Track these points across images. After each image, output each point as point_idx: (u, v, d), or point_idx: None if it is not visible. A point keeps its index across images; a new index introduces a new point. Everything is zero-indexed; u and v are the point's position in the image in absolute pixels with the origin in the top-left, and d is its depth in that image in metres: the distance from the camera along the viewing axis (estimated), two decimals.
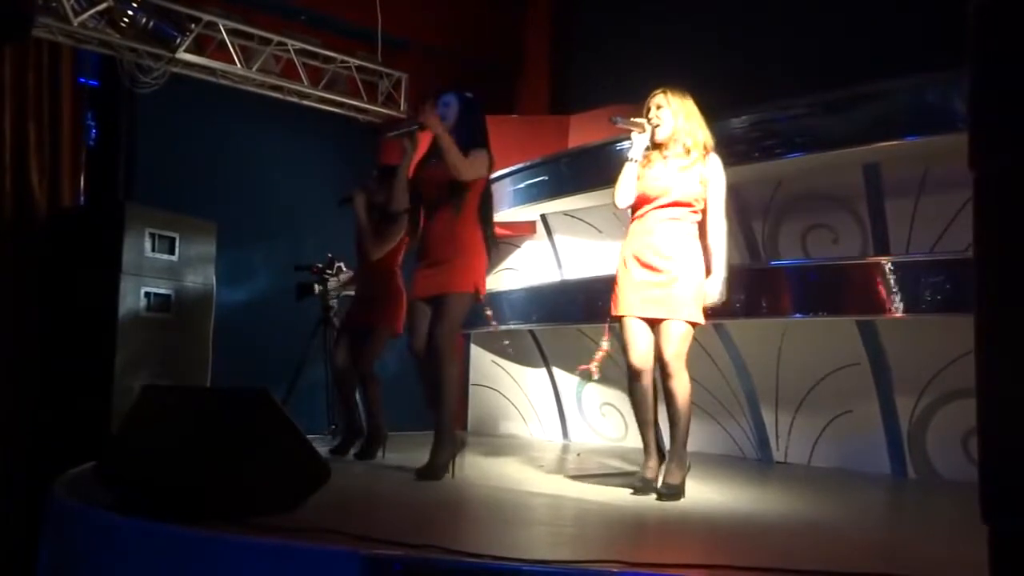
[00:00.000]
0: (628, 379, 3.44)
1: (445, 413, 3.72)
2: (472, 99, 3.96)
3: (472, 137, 3.81)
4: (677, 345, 3.29)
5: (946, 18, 2.63)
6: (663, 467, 3.42)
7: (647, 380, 3.39)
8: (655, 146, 3.46)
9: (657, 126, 3.41)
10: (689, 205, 3.37)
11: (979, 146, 1.43)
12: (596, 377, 3.77)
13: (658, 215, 3.39)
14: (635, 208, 3.46)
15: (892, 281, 3.97)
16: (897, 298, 3.95)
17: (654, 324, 3.37)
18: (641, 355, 3.38)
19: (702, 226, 3.41)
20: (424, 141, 3.94)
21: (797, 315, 4.37)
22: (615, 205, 3.48)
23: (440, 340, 3.65)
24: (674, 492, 3.31)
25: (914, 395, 4.30)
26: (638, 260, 3.39)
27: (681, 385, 3.30)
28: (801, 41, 5.42)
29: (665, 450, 3.49)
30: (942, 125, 3.84)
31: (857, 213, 4.63)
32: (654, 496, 3.34)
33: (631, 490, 3.42)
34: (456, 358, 3.82)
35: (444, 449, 3.73)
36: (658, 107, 3.43)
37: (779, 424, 4.89)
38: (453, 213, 3.74)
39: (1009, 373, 1.37)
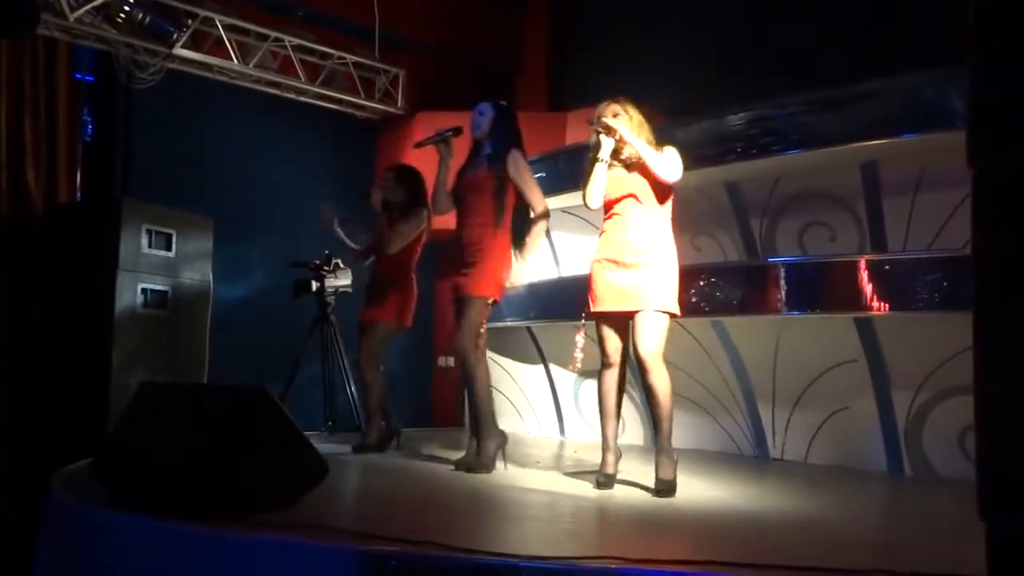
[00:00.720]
0: (600, 370, 3.49)
1: (481, 409, 3.88)
2: (507, 106, 4.10)
3: (509, 144, 3.93)
4: (652, 340, 3.31)
5: (944, 16, 2.63)
6: (655, 463, 3.41)
7: (617, 375, 3.46)
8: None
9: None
10: (661, 203, 3.45)
11: (979, 144, 1.43)
12: (579, 366, 3.89)
13: (628, 212, 3.45)
14: (605, 207, 3.53)
15: (889, 278, 3.97)
16: (894, 295, 3.96)
17: (628, 319, 3.41)
18: (616, 348, 3.46)
19: (671, 219, 3.49)
20: (460, 147, 4.09)
21: (794, 312, 4.38)
22: (587, 206, 3.53)
23: (461, 342, 3.81)
24: (670, 487, 3.33)
25: (911, 392, 4.31)
26: (611, 255, 3.45)
27: (660, 380, 3.31)
28: (800, 39, 5.43)
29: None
30: (939, 123, 3.85)
31: (855, 211, 4.63)
32: (651, 493, 3.34)
33: (593, 484, 3.45)
34: (481, 357, 3.92)
35: (490, 441, 3.88)
36: (615, 115, 3.49)
37: (776, 421, 4.89)
38: (494, 219, 3.86)
39: (1008, 371, 1.37)
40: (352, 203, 5.08)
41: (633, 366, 3.49)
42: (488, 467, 3.84)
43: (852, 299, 4.15)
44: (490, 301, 3.89)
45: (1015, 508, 1.33)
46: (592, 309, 3.50)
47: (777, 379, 4.83)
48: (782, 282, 4.37)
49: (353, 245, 5.00)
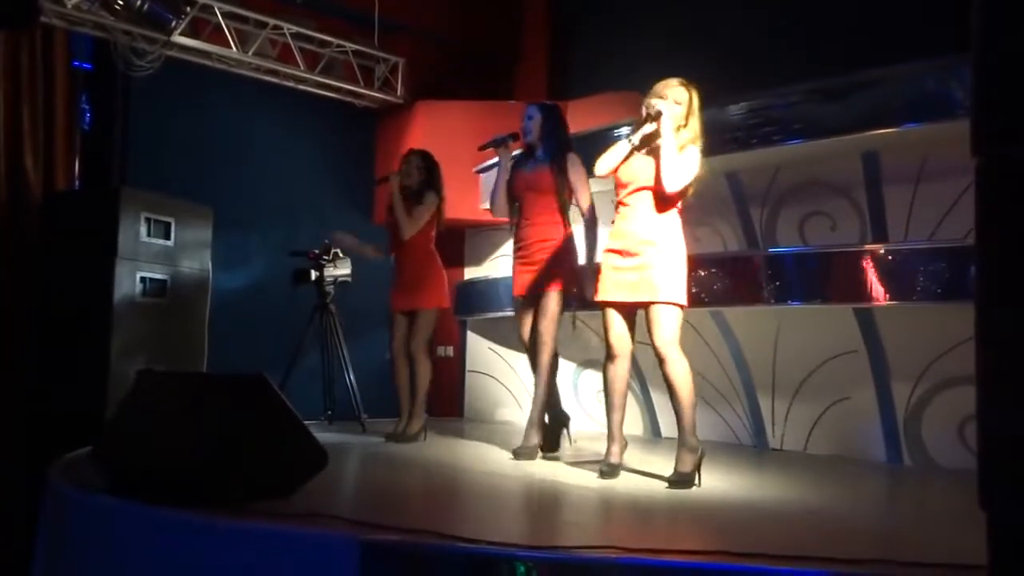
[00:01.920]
0: (605, 360, 3.48)
1: (546, 393, 4.12)
2: (553, 107, 4.31)
3: (565, 146, 4.15)
4: (667, 330, 3.30)
5: (947, 3, 2.62)
6: (676, 455, 3.39)
7: (622, 365, 3.44)
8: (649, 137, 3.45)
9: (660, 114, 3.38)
10: (673, 195, 3.39)
11: (982, 133, 1.42)
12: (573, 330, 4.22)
13: (640, 203, 3.43)
14: (617, 195, 3.53)
15: (890, 269, 3.96)
16: (894, 286, 3.95)
17: (637, 310, 3.40)
18: (618, 335, 3.43)
19: (683, 212, 3.48)
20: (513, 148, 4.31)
21: (794, 302, 4.37)
22: (594, 172, 3.60)
23: (543, 335, 4.02)
24: (684, 480, 3.29)
25: (910, 383, 4.30)
26: (617, 247, 3.45)
27: (678, 370, 3.29)
28: (800, 27, 5.40)
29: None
30: (941, 112, 3.83)
31: (855, 200, 4.62)
32: (665, 485, 3.32)
33: (597, 474, 3.44)
34: (552, 349, 4.09)
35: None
36: (676, 102, 3.42)
37: (775, 411, 4.89)
38: (563, 217, 4.10)
39: (1010, 361, 1.36)
40: (350, 192, 5.08)
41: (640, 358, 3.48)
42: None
43: (853, 289, 4.13)
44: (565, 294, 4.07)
45: (1016, 498, 1.33)
46: (597, 298, 3.49)
47: (777, 369, 4.83)
48: (782, 272, 4.37)
49: (371, 254, 5.14)
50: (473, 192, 6.49)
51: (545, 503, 3.09)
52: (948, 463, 4.13)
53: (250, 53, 5.93)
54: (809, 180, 4.77)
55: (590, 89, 6.47)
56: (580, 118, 6.24)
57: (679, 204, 3.46)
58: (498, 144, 4.29)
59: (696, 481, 3.31)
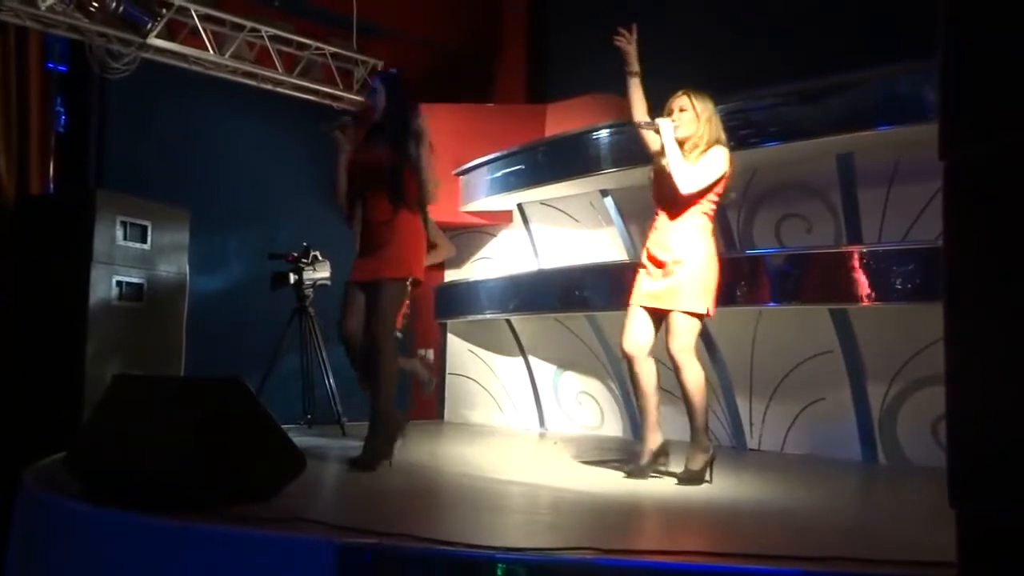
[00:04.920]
0: (627, 367, 3.58)
1: (388, 398, 3.68)
2: (395, 76, 3.84)
3: (403, 125, 3.69)
4: (680, 338, 3.41)
5: (918, 7, 2.65)
6: (686, 453, 3.48)
7: (640, 367, 3.49)
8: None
9: (678, 127, 3.48)
10: (695, 203, 3.48)
11: (949, 135, 1.44)
12: None
13: (665, 212, 3.54)
14: (655, 205, 3.62)
15: (864, 270, 4.01)
16: (869, 286, 3.99)
17: (660, 317, 3.49)
18: (631, 341, 3.50)
19: (712, 220, 3.56)
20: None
21: (771, 304, 4.41)
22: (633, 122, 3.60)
23: (376, 328, 3.63)
24: (694, 477, 3.41)
25: (885, 382, 4.35)
26: (648, 254, 3.55)
27: (691, 376, 3.41)
28: (778, 30, 5.45)
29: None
30: (914, 115, 3.89)
31: (831, 202, 4.67)
32: (674, 481, 3.43)
33: (624, 474, 3.52)
34: (392, 344, 3.70)
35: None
36: (681, 109, 3.50)
37: (753, 412, 4.93)
38: (394, 201, 3.67)
39: (977, 361, 1.39)
40: (329, 194, 5.00)
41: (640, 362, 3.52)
42: (386, 456, 3.67)
43: (828, 290, 4.18)
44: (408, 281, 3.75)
45: (983, 494, 1.35)
46: (630, 302, 3.60)
47: (754, 370, 4.87)
48: (760, 274, 4.40)
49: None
50: (453, 194, 6.49)
51: (523, 505, 3.09)
52: (922, 461, 4.18)
53: (227, 56, 5.89)
54: (785, 182, 4.82)
55: (570, 91, 6.49)
56: (559, 121, 6.28)
57: (707, 210, 3.52)
58: (333, 129, 3.82)
59: (708, 478, 3.44)
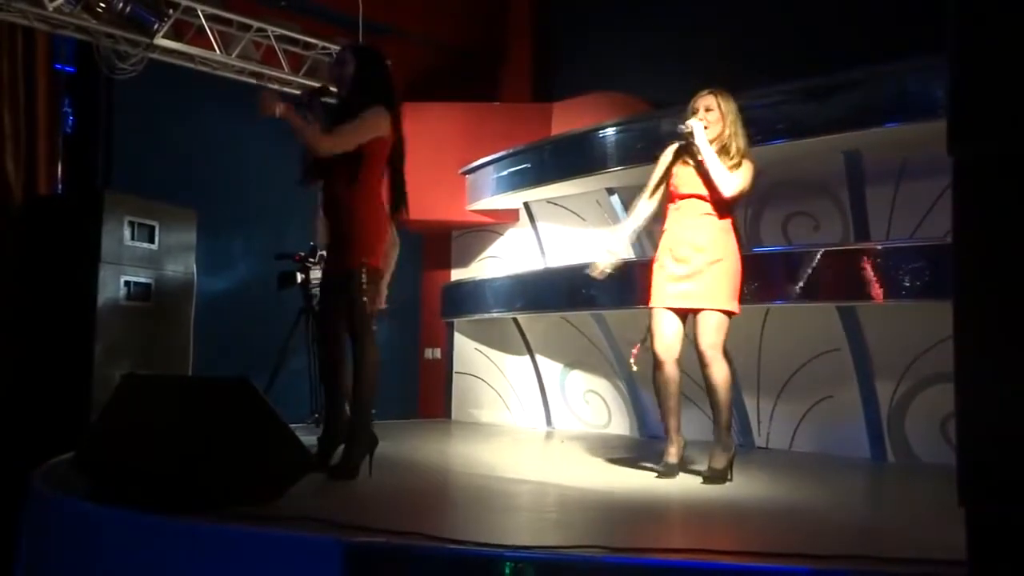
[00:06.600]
0: (653, 367, 3.53)
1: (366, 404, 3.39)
2: (369, 50, 3.55)
3: (371, 100, 3.38)
4: (712, 335, 3.41)
5: (927, 3, 2.64)
6: (709, 452, 3.49)
7: (670, 369, 3.48)
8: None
9: (707, 127, 3.48)
10: (729, 203, 3.48)
11: (958, 132, 1.44)
12: (635, 369, 3.86)
13: (692, 210, 3.50)
14: (671, 202, 3.59)
15: (872, 267, 3.99)
16: (877, 284, 3.98)
17: (689, 315, 3.48)
18: (666, 345, 3.48)
19: (735, 220, 3.55)
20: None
21: (778, 302, 4.39)
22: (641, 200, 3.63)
23: (354, 320, 3.34)
24: (718, 476, 3.41)
25: (893, 380, 4.34)
26: (672, 253, 3.50)
27: (719, 373, 3.40)
28: (784, 27, 5.43)
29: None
30: (922, 112, 3.86)
31: (838, 200, 4.65)
32: (700, 480, 3.42)
33: (655, 474, 3.52)
34: (372, 339, 3.40)
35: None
36: (707, 109, 3.50)
37: (760, 410, 4.92)
38: (348, 184, 3.36)
39: (987, 358, 1.38)
40: None
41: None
42: (354, 473, 3.28)
43: (836, 288, 4.17)
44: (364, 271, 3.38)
45: (994, 493, 1.34)
46: (651, 304, 3.54)
47: (762, 368, 4.86)
48: (767, 272, 4.39)
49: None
50: (459, 194, 6.49)
51: (531, 503, 3.09)
52: (931, 459, 4.17)
53: (234, 56, 5.90)
54: (792, 180, 4.80)
55: (575, 90, 6.49)
56: (565, 119, 6.27)
57: (730, 210, 3.52)
58: (301, 103, 3.56)
59: (729, 476, 3.44)
